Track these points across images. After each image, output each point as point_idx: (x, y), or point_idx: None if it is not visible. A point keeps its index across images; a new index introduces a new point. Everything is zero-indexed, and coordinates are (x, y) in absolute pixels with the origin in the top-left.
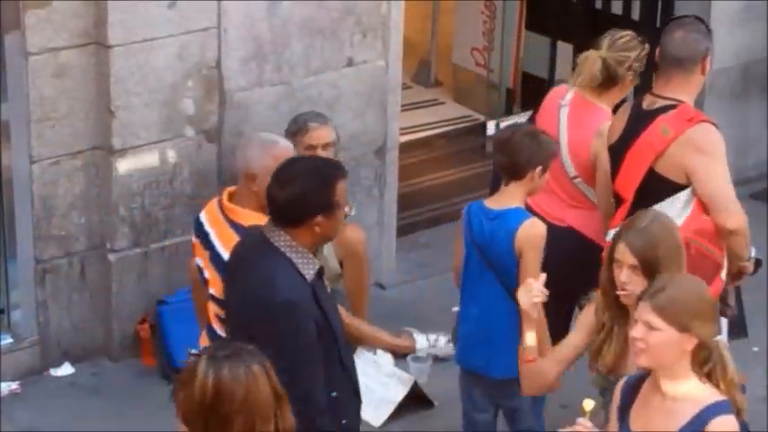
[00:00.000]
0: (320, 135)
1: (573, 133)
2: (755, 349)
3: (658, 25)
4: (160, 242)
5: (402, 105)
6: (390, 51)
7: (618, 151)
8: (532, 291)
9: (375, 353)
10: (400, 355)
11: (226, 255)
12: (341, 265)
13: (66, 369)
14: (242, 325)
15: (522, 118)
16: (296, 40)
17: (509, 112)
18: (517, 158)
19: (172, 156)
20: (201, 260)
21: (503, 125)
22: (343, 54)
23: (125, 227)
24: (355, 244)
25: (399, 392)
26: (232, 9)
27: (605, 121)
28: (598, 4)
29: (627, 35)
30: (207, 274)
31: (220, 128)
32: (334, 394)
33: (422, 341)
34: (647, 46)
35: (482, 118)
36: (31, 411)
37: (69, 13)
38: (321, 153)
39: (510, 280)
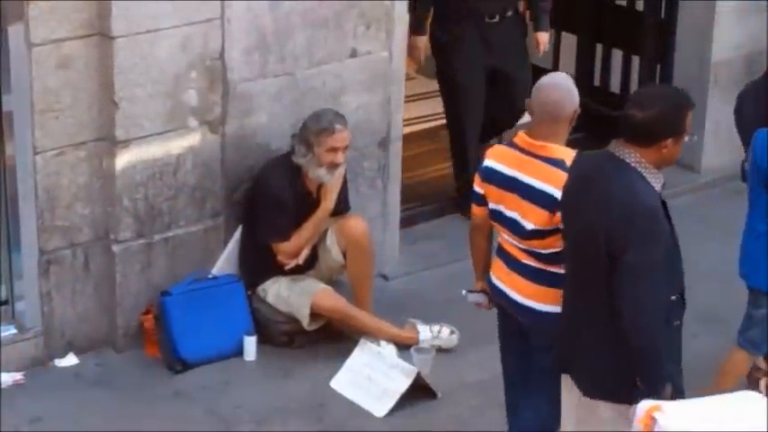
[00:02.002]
0: (344, 137)
1: None
2: None
3: (663, 16)
4: (164, 233)
5: (406, 96)
6: (394, 42)
7: None
8: None
9: (378, 344)
10: (404, 347)
11: (544, 186)
12: (344, 255)
13: (70, 360)
14: (596, 234)
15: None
16: (299, 31)
17: None
18: None
19: (175, 147)
20: (500, 204)
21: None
22: (347, 45)
23: (129, 218)
24: (359, 235)
25: (402, 384)
26: (235, 0)
27: None
28: None
29: None
30: (513, 214)
31: (224, 119)
32: (673, 297)
33: (425, 332)
34: None
35: None
36: (35, 402)
37: (72, 4)
38: (340, 155)
39: None
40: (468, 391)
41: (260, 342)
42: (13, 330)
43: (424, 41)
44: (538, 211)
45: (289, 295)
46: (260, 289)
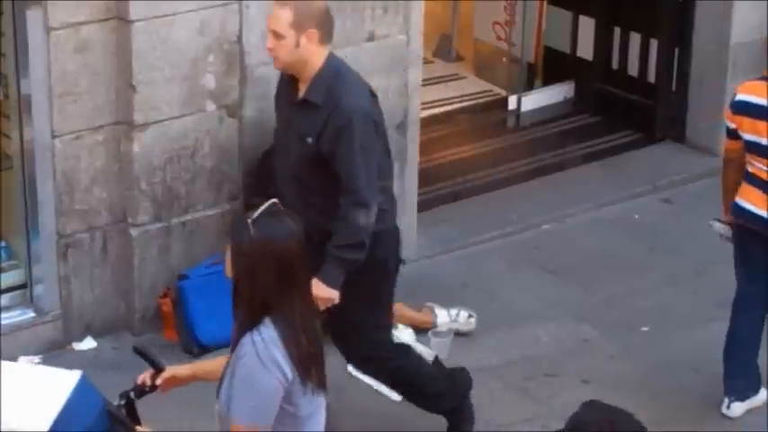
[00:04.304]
0: None
1: None
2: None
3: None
4: (181, 216)
5: (423, 80)
6: (411, 26)
7: None
8: None
9: (396, 328)
10: (421, 330)
11: None
12: None
13: (88, 343)
14: None
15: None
16: None
17: (530, 86)
18: None
19: (193, 130)
20: (755, 134)
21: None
22: (364, 28)
23: (147, 201)
24: None
25: None
26: None
27: None
28: None
29: None
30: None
31: (241, 102)
32: None
33: (443, 316)
34: None
35: (503, 93)
36: None
37: None
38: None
39: None
40: (485, 374)
41: None
42: (32, 314)
43: None
44: None
45: None
46: None
